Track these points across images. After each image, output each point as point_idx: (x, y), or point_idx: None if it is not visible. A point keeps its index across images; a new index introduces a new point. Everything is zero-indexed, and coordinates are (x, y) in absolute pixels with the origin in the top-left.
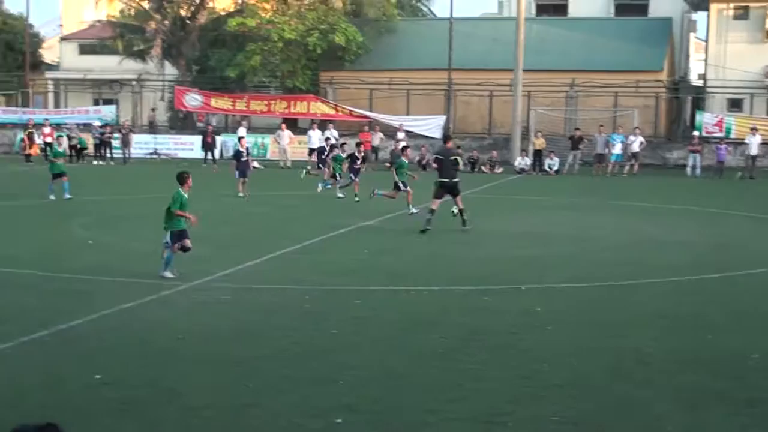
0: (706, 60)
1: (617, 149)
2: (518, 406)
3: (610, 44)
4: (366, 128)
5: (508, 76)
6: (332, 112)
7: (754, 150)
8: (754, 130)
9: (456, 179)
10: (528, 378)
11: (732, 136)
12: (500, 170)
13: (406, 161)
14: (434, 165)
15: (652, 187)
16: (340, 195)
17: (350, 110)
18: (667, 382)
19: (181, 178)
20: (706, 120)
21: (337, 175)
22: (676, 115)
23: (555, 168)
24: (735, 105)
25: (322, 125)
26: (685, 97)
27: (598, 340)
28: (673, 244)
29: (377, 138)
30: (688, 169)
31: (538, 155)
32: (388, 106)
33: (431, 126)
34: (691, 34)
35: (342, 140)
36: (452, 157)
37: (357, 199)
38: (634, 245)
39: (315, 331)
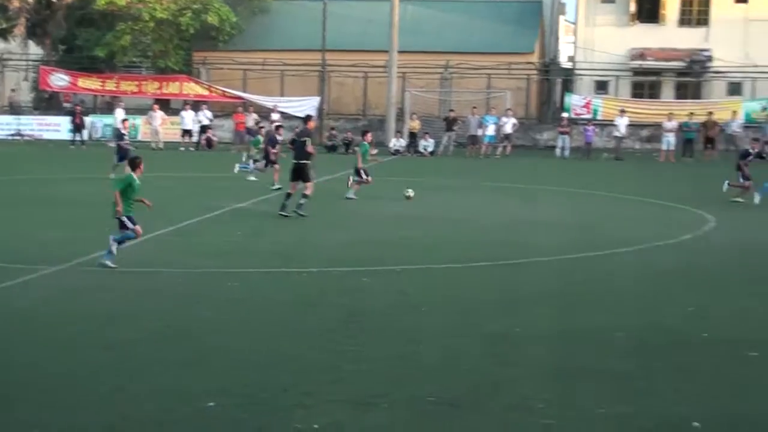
0: (575, 43)
1: (490, 131)
2: (394, 387)
3: (484, 26)
4: (240, 109)
5: (382, 57)
6: (205, 93)
7: (621, 131)
8: (622, 112)
9: (302, 161)
10: (405, 359)
11: (599, 117)
12: (375, 152)
13: (368, 144)
14: (290, 146)
15: (524, 168)
16: (253, 178)
17: (224, 91)
18: (536, 360)
19: (134, 163)
20: (575, 102)
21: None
22: (546, 97)
23: (430, 149)
24: (601, 87)
25: (196, 107)
26: (555, 80)
27: (472, 320)
28: (546, 225)
29: (251, 119)
30: (558, 150)
31: (413, 137)
32: (263, 87)
33: (306, 107)
34: (561, 17)
35: (278, 122)
36: (303, 139)
37: (276, 186)
38: (509, 226)
39: (188, 314)
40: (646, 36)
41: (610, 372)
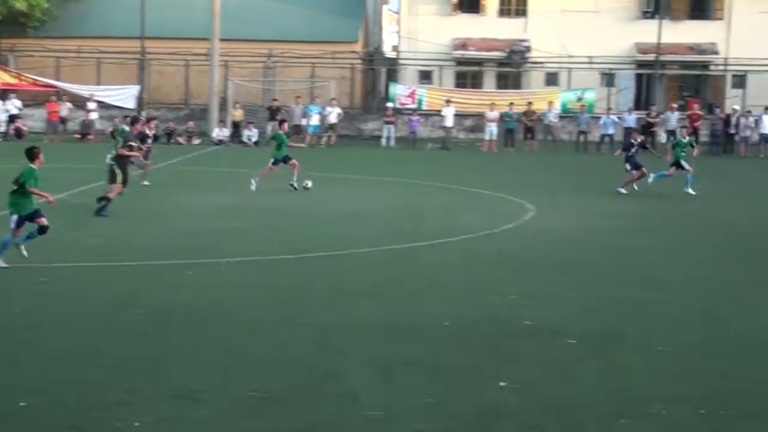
0: (399, 32)
1: (314, 120)
2: (220, 380)
3: (308, 15)
4: (53, 98)
5: (204, 45)
6: (14, 81)
7: (448, 122)
8: (448, 102)
9: (109, 161)
10: (230, 352)
11: (424, 107)
12: (198, 141)
13: (285, 135)
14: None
15: (349, 158)
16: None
17: (35, 79)
18: (365, 351)
19: (32, 154)
20: (399, 91)
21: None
22: (371, 87)
23: (254, 139)
24: (426, 77)
25: (4, 95)
26: (379, 69)
27: (302, 312)
28: (372, 215)
29: (65, 108)
30: (383, 140)
31: (236, 126)
32: (78, 75)
33: (124, 96)
34: (384, 6)
35: (150, 116)
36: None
37: (146, 183)
38: (337, 217)
39: None
40: (468, 26)
41: (437, 362)
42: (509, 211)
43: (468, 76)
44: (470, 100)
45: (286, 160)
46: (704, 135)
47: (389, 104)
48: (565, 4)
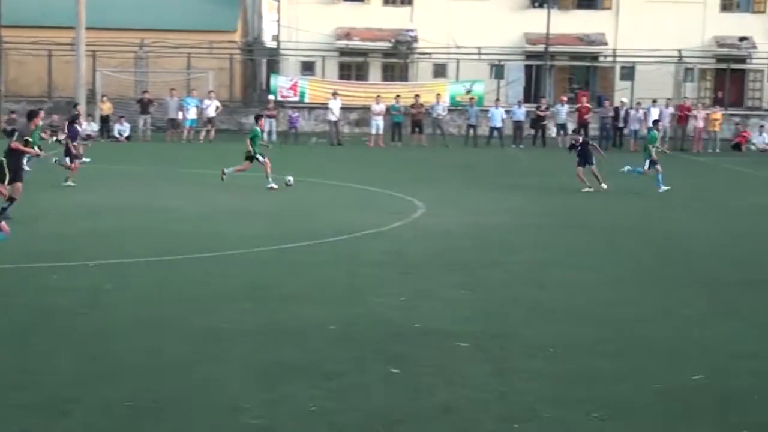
0: (279, 21)
1: (192, 114)
2: (90, 390)
3: (182, 2)
4: None
5: (69, 34)
6: None
7: (335, 115)
8: (334, 94)
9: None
10: (100, 360)
11: (306, 100)
12: (63, 136)
13: (260, 130)
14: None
15: (228, 153)
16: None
17: None
18: (244, 359)
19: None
20: (281, 83)
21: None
22: (251, 79)
23: (126, 134)
24: (308, 68)
25: None
26: (259, 60)
27: (177, 316)
28: (255, 214)
29: None
30: (265, 135)
31: (105, 120)
32: None
33: None
34: None
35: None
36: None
37: (69, 184)
38: (213, 216)
39: None
40: (352, 15)
41: (322, 367)
42: (398, 209)
43: (352, 67)
44: (355, 92)
45: (258, 158)
46: (594, 129)
47: (271, 97)
48: None
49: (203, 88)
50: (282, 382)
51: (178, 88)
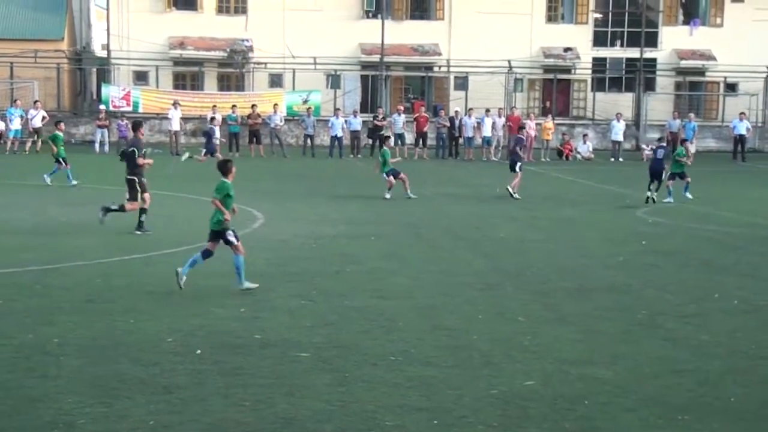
0: (108, 30)
1: (16, 124)
2: None
3: (3, 10)
4: None
5: None
6: None
7: (175, 125)
8: (175, 104)
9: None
10: None
11: (140, 110)
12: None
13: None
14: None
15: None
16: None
17: None
18: (78, 374)
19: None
20: (113, 93)
21: None
22: (81, 88)
23: None
24: (141, 78)
25: None
26: (89, 69)
27: (4, 332)
28: (85, 226)
29: None
30: (96, 146)
31: None
32: None
33: None
34: (92, 2)
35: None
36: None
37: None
38: (41, 228)
39: None
40: (185, 24)
41: (159, 380)
42: (236, 220)
43: (187, 76)
44: (191, 102)
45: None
46: (431, 138)
47: (102, 107)
48: (287, 3)
49: (28, 98)
50: (119, 396)
51: (1, 99)
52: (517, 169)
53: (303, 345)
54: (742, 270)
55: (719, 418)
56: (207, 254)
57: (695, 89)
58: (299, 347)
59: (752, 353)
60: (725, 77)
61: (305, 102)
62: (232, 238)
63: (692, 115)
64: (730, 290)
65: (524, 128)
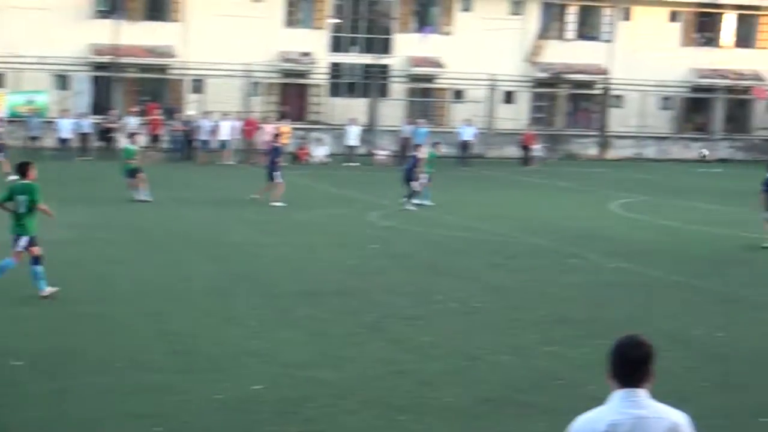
0: None
1: None
2: None
3: None
4: None
5: None
6: None
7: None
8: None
9: None
10: None
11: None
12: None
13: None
14: None
15: None
16: None
17: None
18: None
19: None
20: None
21: None
22: None
23: None
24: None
25: None
26: None
27: None
28: None
29: None
30: None
31: None
32: None
33: None
34: None
35: None
36: None
37: None
38: None
39: None
40: None
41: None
42: None
43: None
44: None
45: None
46: (166, 141)
47: None
48: (8, 1)
49: None
50: None
51: None
52: (279, 178)
53: (20, 353)
54: (462, 273)
55: (437, 417)
56: None
57: (426, 96)
58: (15, 355)
59: (469, 353)
60: (454, 84)
61: (30, 103)
62: None
63: (422, 120)
64: (451, 293)
65: (279, 135)
